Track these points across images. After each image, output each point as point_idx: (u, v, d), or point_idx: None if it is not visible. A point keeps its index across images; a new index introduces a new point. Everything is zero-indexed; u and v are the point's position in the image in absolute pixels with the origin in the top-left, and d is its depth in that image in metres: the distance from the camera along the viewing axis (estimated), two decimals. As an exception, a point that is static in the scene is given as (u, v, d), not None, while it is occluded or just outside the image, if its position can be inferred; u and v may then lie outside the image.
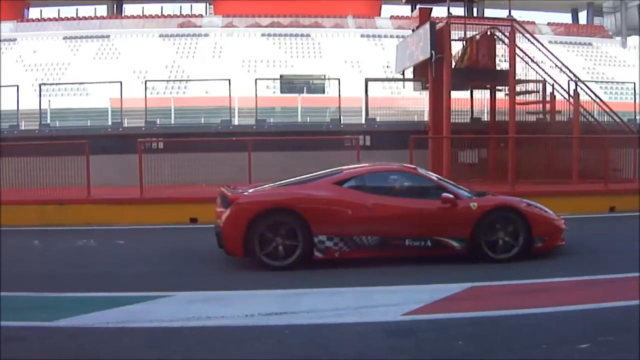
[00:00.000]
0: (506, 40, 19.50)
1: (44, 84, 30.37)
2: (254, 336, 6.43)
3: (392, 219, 9.72)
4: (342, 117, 22.64)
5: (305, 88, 38.54)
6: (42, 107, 25.23)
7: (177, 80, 40.64)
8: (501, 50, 19.94)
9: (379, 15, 56.56)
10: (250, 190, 10.21)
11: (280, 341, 6.29)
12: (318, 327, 6.68)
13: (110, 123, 24.63)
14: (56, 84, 40.24)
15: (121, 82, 22.47)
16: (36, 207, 15.31)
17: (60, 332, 6.63)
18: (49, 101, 27.13)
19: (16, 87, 24.10)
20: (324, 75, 40.66)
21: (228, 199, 9.79)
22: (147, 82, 23.66)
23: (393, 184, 10.16)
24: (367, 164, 11.07)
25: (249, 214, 9.51)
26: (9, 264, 10.49)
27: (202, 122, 26.69)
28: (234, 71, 37.60)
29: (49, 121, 25.63)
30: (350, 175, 10.16)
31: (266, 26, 51.20)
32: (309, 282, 8.72)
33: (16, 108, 24.23)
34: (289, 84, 39.18)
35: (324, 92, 38.04)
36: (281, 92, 38.15)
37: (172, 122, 24.76)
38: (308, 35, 50.40)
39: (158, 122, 23.79)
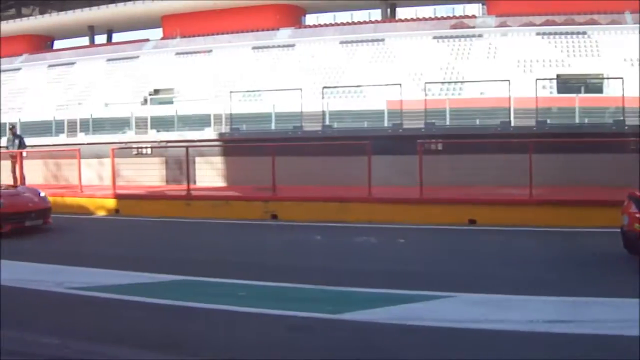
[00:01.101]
0: None
1: (327, 87, 31.75)
2: (535, 343, 6.26)
3: None
4: (625, 118, 21.61)
5: (582, 88, 37.12)
6: (322, 109, 26.51)
7: (454, 82, 40.70)
8: None
9: (658, 9, 53.13)
10: None
11: (560, 350, 6.11)
12: (599, 338, 6.36)
13: (385, 125, 25.21)
14: (334, 87, 41.84)
15: (401, 85, 22.95)
16: (319, 205, 16.01)
17: (345, 325, 6.85)
18: (327, 103, 28.32)
19: (300, 90, 25.51)
20: (602, 74, 38.97)
21: None
22: (426, 84, 24.01)
23: None
24: None
25: None
26: (294, 257, 11.13)
27: (477, 123, 26.57)
28: (509, 71, 37.03)
29: (327, 122, 26.79)
30: None
31: (540, 25, 49.85)
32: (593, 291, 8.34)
33: (300, 110, 25.60)
34: (565, 84, 37.96)
35: (602, 92, 36.44)
36: (558, 92, 37.04)
37: (447, 123, 24.85)
38: (584, 33, 48.46)
39: (435, 123, 23.97)
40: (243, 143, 23.04)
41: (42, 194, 15.60)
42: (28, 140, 23.85)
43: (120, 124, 37.86)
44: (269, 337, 6.61)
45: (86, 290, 8.62)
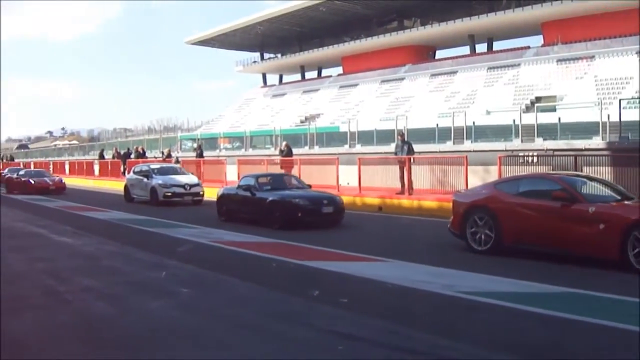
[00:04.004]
0: None
1: None
2: None
3: None
4: None
5: None
6: None
7: None
8: None
9: None
10: None
11: None
12: None
13: None
14: None
15: None
16: None
17: None
18: None
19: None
20: None
21: None
22: None
23: None
24: None
25: None
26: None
27: None
28: None
29: None
30: None
31: None
32: None
33: None
34: None
35: None
36: None
37: None
38: None
39: None
40: (631, 152, 22.05)
41: None
42: (415, 147, 24.77)
43: (501, 132, 38.21)
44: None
45: (474, 295, 8.81)
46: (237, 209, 19.75)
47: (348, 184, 25.54)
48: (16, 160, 79.28)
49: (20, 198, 32.29)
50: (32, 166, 58.71)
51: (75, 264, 12.12)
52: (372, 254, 12.58)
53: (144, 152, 47.62)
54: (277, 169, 28.09)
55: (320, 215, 17.84)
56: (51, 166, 57.06)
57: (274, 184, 19.74)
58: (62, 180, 37.74)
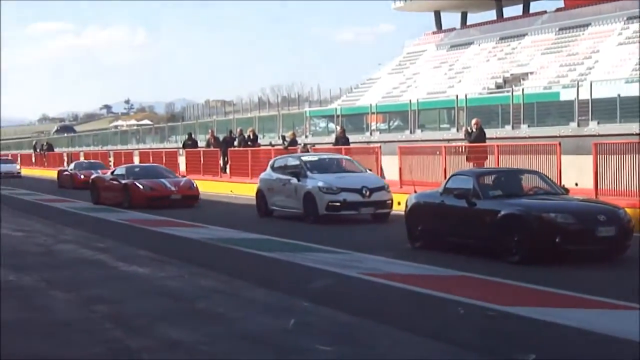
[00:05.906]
0: None
1: None
2: None
3: None
4: None
5: None
6: None
7: None
8: None
9: None
10: None
11: None
12: None
13: None
14: None
15: None
16: None
17: None
18: None
19: None
20: None
21: None
22: None
23: None
24: None
25: None
26: None
27: None
28: None
29: None
30: None
31: None
32: None
33: None
34: None
35: None
36: None
37: None
38: None
39: None
40: None
41: None
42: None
43: None
44: None
45: None
46: (443, 228, 19.25)
47: (577, 185, 24.93)
48: (57, 150, 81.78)
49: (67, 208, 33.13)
50: (81, 157, 60.26)
51: (153, 307, 12.37)
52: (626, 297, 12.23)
53: (256, 137, 48.14)
54: (460, 162, 27.69)
55: (594, 241, 16.55)
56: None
57: (506, 187, 18.94)
58: (192, 185, 36.24)
